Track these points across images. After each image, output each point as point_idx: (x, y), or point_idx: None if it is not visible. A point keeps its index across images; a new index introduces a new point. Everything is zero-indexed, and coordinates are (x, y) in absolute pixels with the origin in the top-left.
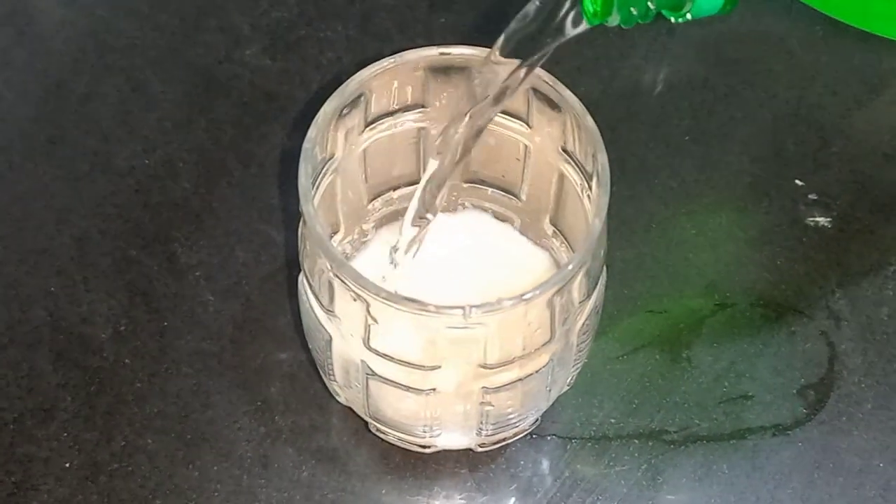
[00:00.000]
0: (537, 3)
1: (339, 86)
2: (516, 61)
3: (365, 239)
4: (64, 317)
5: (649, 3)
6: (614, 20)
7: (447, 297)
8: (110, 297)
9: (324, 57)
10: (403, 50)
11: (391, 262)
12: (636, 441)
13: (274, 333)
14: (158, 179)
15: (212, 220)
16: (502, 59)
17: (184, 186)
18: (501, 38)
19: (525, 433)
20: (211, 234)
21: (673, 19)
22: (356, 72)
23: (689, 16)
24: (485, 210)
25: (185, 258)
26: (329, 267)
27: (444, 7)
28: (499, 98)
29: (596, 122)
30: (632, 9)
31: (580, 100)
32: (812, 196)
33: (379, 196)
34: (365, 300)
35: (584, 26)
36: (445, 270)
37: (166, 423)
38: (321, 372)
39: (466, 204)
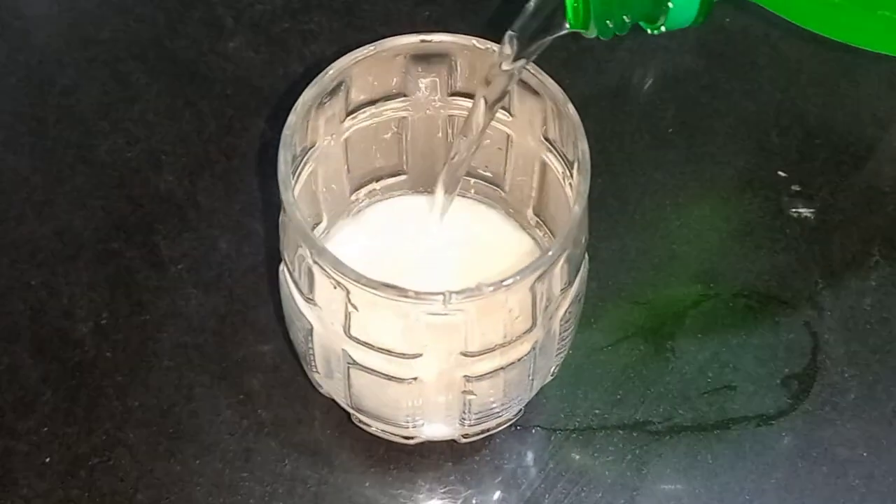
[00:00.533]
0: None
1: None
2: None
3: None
4: (44, 310)
5: (625, 17)
6: (592, 32)
7: (431, 282)
8: (91, 291)
9: (307, 49)
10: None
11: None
12: (620, 432)
13: (257, 326)
14: (141, 172)
15: (194, 212)
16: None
17: (167, 179)
18: (516, 41)
19: (509, 424)
20: (194, 226)
21: (649, 31)
22: None
23: (663, 28)
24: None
25: (168, 251)
26: (309, 254)
27: (428, 0)
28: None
29: (581, 114)
30: (608, 21)
31: (566, 92)
32: (795, 187)
33: (362, 187)
34: (345, 287)
35: (566, 29)
36: (430, 256)
37: (148, 417)
38: (303, 363)
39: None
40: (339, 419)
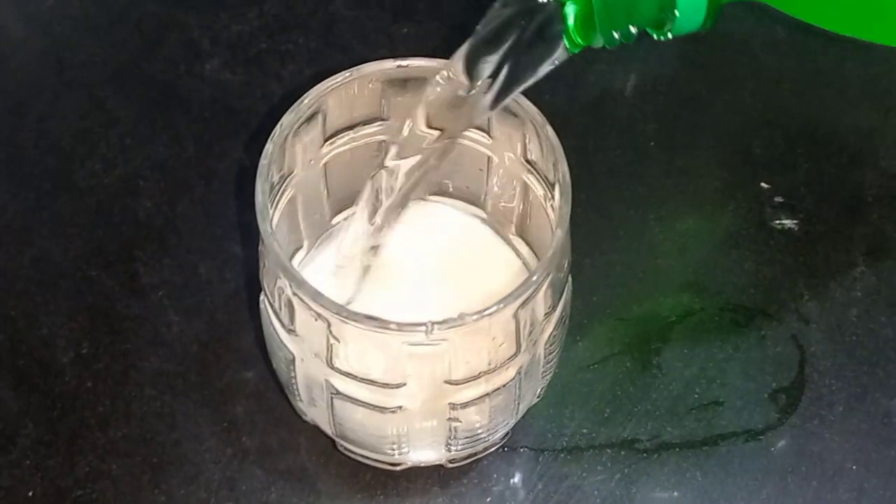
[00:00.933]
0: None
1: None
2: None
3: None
4: (24, 340)
5: (631, 27)
6: (598, 42)
7: (414, 302)
8: (71, 320)
9: (285, 70)
10: (365, 61)
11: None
12: (609, 451)
13: (239, 352)
14: (119, 197)
15: (174, 237)
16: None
17: (145, 204)
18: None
19: (496, 446)
20: (174, 252)
21: (655, 37)
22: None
23: (670, 34)
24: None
25: (148, 277)
26: (288, 286)
27: (407, 17)
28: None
29: (562, 128)
30: (614, 32)
31: (546, 106)
32: (778, 199)
33: (343, 210)
34: (326, 319)
35: (563, 55)
36: (412, 271)
37: (131, 447)
38: (286, 391)
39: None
40: (325, 445)
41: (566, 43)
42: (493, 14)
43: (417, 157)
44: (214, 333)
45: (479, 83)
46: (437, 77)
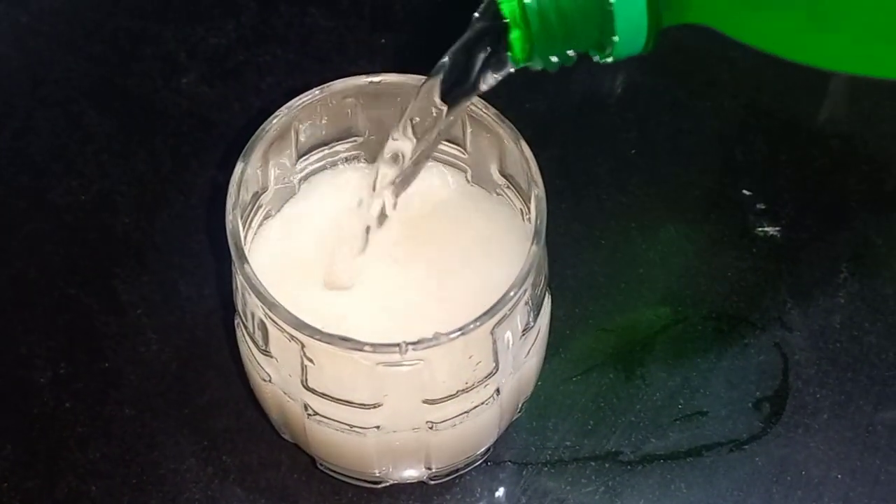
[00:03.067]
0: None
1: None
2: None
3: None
4: (1, 360)
5: (569, 52)
6: (537, 65)
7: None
8: (49, 339)
9: (263, 82)
10: (344, 72)
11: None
12: (592, 463)
13: (219, 369)
14: (96, 214)
15: (153, 254)
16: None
17: (123, 221)
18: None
19: (479, 461)
20: (152, 268)
21: (596, 59)
22: (297, 95)
23: (610, 59)
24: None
25: (126, 295)
26: (261, 308)
27: (385, 28)
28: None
29: (542, 137)
30: (552, 56)
31: (526, 114)
32: (760, 206)
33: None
34: (299, 341)
35: (508, 69)
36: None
37: (110, 468)
38: (265, 411)
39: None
40: (306, 463)
41: (510, 60)
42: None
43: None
44: (194, 351)
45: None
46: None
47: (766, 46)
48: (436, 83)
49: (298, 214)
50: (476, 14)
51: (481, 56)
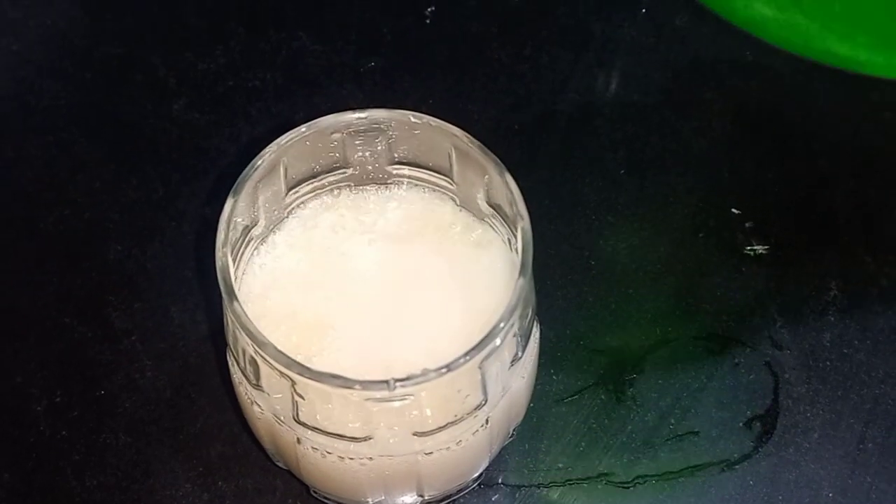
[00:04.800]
0: None
1: (268, 141)
2: None
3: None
4: None
5: None
6: None
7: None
8: (44, 368)
9: (252, 107)
10: (332, 96)
11: None
12: (585, 485)
13: (213, 395)
14: (89, 242)
15: (145, 281)
16: None
17: (115, 248)
18: None
19: (472, 486)
20: (145, 296)
21: None
22: (286, 120)
23: None
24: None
25: (120, 323)
26: (251, 345)
27: (372, 51)
28: None
29: (531, 158)
30: None
31: (514, 136)
32: (749, 224)
33: None
34: (290, 378)
35: None
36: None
37: (107, 496)
38: (258, 440)
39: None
40: (300, 489)
41: None
42: None
43: None
44: (187, 378)
45: None
46: None
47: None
48: None
49: (288, 239)
50: None
51: None
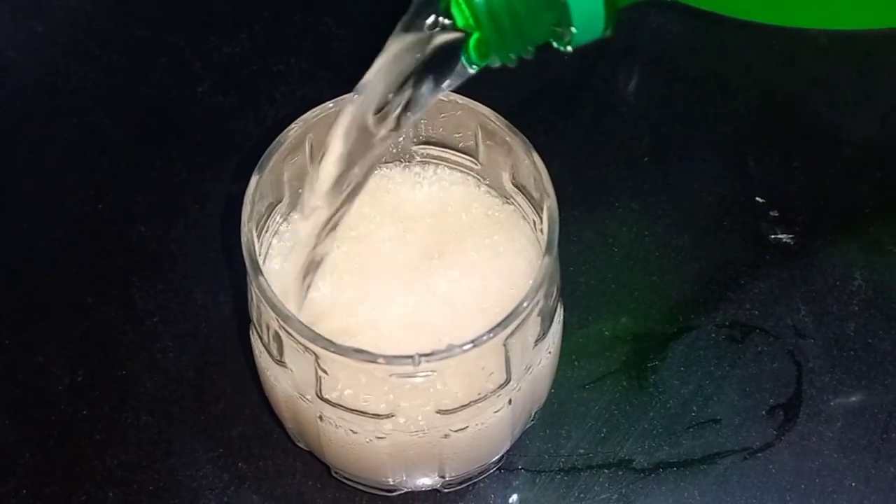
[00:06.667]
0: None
1: (291, 121)
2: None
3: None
4: (19, 369)
5: (528, 47)
6: (496, 62)
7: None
8: (66, 348)
9: (277, 91)
10: (358, 81)
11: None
12: (606, 471)
13: (235, 377)
14: (113, 224)
15: (169, 262)
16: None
17: (139, 230)
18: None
19: (492, 469)
20: (168, 277)
21: (556, 45)
22: (311, 104)
23: (570, 48)
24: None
25: (143, 303)
26: (276, 320)
27: None
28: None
29: (555, 145)
30: (510, 53)
31: (539, 122)
32: (774, 213)
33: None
34: (314, 352)
35: (464, 74)
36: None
37: (127, 475)
38: (280, 419)
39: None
40: (321, 470)
41: (465, 64)
42: (393, 41)
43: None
44: (209, 359)
45: (384, 108)
46: (346, 108)
47: (739, 13)
48: (365, 105)
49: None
50: (404, 25)
51: (437, 67)
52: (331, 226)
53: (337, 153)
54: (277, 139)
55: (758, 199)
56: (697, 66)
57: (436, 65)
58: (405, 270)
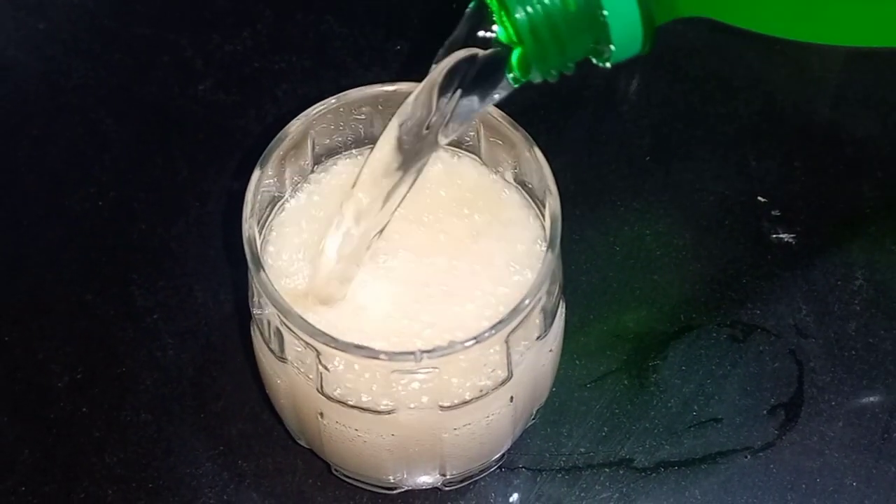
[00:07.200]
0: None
1: (293, 119)
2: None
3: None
4: (19, 366)
5: (568, 63)
6: (537, 78)
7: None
8: (66, 345)
9: (279, 89)
10: (359, 79)
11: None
12: (607, 470)
13: (235, 375)
14: (113, 221)
15: (169, 260)
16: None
17: (140, 227)
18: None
19: (493, 467)
20: (169, 274)
21: (595, 62)
22: (312, 102)
23: (608, 64)
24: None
25: (143, 301)
26: (277, 316)
27: (399, 34)
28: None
29: (557, 143)
30: (551, 69)
31: (541, 121)
32: (775, 212)
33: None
34: (315, 348)
35: (508, 88)
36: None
37: (127, 473)
38: (280, 416)
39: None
40: (321, 468)
41: (509, 79)
42: (442, 55)
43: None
44: (209, 356)
45: (430, 120)
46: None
47: (764, 29)
48: (413, 116)
49: (314, 212)
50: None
51: (483, 81)
52: (375, 235)
53: (385, 164)
54: (279, 135)
55: (759, 198)
56: (699, 65)
57: (483, 79)
58: (407, 262)
